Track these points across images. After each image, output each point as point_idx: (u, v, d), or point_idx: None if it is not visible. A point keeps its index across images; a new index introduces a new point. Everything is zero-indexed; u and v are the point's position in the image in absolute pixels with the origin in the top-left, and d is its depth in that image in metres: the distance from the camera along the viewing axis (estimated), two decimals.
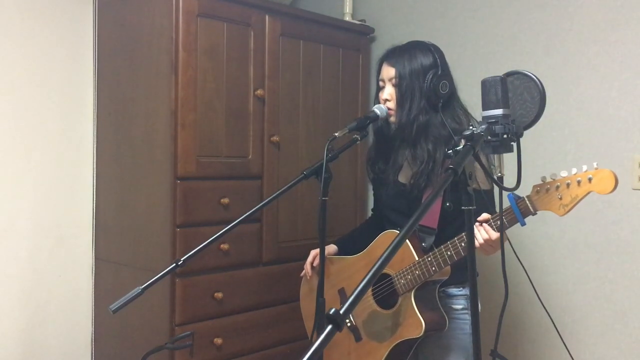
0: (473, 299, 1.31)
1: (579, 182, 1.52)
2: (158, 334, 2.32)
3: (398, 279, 1.90)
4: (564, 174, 1.55)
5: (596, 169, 1.50)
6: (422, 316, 1.83)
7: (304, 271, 2.23)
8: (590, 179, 1.50)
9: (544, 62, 2.45)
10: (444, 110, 1.92)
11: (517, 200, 1.63)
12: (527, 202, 1.61)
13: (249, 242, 2.49)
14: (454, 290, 1.96)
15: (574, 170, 1.54)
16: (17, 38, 2.49)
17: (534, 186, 1.60)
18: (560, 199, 1.55)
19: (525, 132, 1.35)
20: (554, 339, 2.43)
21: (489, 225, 1.69)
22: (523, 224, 1.63)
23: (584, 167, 1.52)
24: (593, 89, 2.33)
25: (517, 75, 1.41)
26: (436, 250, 1.81)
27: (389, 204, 2.10)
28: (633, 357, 2.24)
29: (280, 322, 2.60)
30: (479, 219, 1.72)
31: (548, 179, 1.58)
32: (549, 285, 2.43)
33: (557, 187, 1.55)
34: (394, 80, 1.95)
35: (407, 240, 1.89)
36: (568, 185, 1.53)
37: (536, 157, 2.44)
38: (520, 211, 1.62)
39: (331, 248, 2.22)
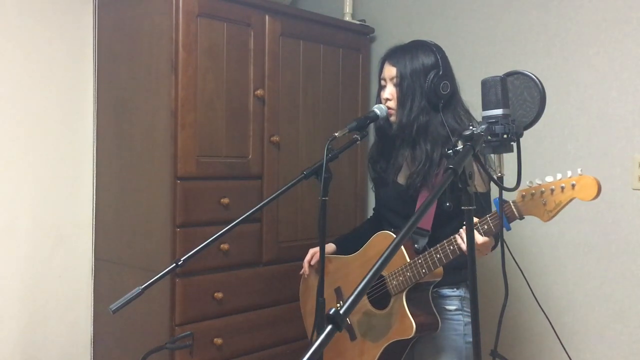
0: (473, 300, 1.31)
1: (562, 188, 1.51)
2: (158, 334, 2.32)
3: (390, 280, 1.90)
4: (549, 179, 1.55)
5: (580, 175, 1.49)
6: (413, 318, 1.83)
7: (302, 269, 2.23)
8: (573, 186, 1.49)
9: (544, 62, 2.45)
10: (445, 110, 1.92)
11: (502, 204, 1.62)
12: (513, 207, 1.61)
13: (249, 242, 2.49)
14: (447, 291, 1.96)
15: (559, 176, 1.53)
16: (17, 38, 2.49)
17: (520, 191, 1.60)
18: (545, 204, 1.55)
19: (525, 132, 1.35)
20: (554, 339, 2.43)
21: (475, 229, 1.68)
22: (508, 228, 1.62)
23: (569, 173, 1.51)
24: (593, 89, 2.33)
25: (517, 75, 1.42)
26: (427, 252, 1.82)
27: (387, 204, 2.11)
28: (633, 357, 2.24)
29: (280, 322, 2.60)
30: (472, 213, 1.71)
31: (534, 184, 1.57)
32: (549, 285, 2.43)
33: (542, 192, 1.55)
34: (395, 80, 1.95)
35: None
36: (552, 191, 1.53)
37: (536, 157, 2.44)
38: (506, 216, 1.61)
39: (330, 247, 2.22)
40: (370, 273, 0.90)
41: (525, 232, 2.46)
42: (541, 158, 2.44)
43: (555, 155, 2.42)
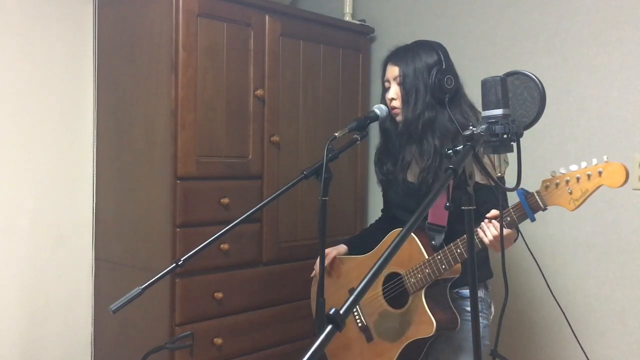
0: (473, 300, 1.31)
1: (589, 175, 1.51)
2: (158, 334, 2.32)
3: (408, 278, 1.89)
4: (573, 168, 1.54)
5: (606, 162, 1.49)
6: (433, 315, 1.82)
7: (314, 272, 2.23)
8: (600, 173, 1.49)
9: (544, 62, 2.45)
10: (451, 105, 1.92)
11: (527, 195, 1.62)
12: (537, 197, 1.60)
13: (249, 242, 2.49)
14: (467, 292, 1.94)
15: (584, 164, 1.53)
16: (17, 38, 2.49)
17: (544, 181, 1.59)
18: (571, 193, 1.54)
19: (525, 132, 1.35)
20: (556, 338, 2.43)
21: (497, 221, 1.68)
22: (533, 219, 1.63)
23: (594, 161, 1.51)
24: (593, 89, 2.33)
25: (517, 75, 1.41)
26: (446, 248, 1.81)
27: (399, 204, 2.10)
28: (633, 357, 2.24)
29: (280, 322, 2.60)
30: (488, 215, 1.71)
31: (557, 174, 1.57)
32: (549, 285, 2.43)
33: (567, 181, 1.54)
34: (398, 79, 1.96)
35: (417, 239, 1.89)
36: (578, 179, 1.52)
37: (536, 157, 2.44)
38: (530, 206, 1.61)
39: (342, 248, 2.22)
40: (371, 273, 0.90)
41: (525, 232, 2.44)
42: (541, 158, 2.44)
43: (555, 155, 2.42)
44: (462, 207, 1.23)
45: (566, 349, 2.38)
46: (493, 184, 1.88)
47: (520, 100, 1.40)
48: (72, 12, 2.64)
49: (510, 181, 1.34)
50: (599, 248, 2.32)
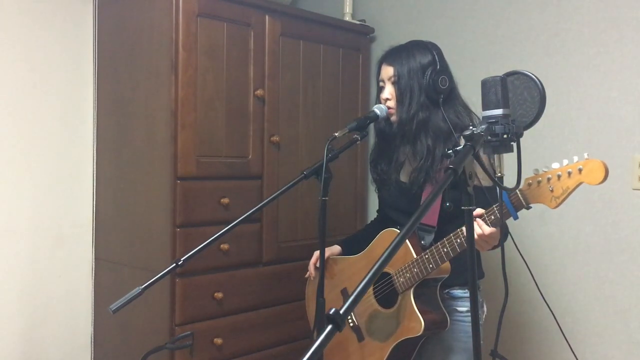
0: (473, 299, 1.31)
1: (569, 173, 1.50)
2: (158, 334, 2.32)
3: (397, 277, 1.90)
4: (555, 165, 1.54)
5: (586, 159, 1.49)
6: (421, 315, 1.83)
7: (308, 272, 2.23)
8: (580, 170, 1.48)
9: (544, 62, 2.45)
10: (445, 106, 1.92)
11: (509, 193, 1.62)
12: (519, 195, 1.60)
13: (249, 242, 2.49)
14: (458, 292, 1.95)
15: (565, 162, 1.53)
16: (17, 38, 2.49)
17: (526, 179, 1.59)
18: (552, 191, 1.53)
19: (525, 132, 1.35)
20: (555, 339, 2.43)
21: (482, 220, 1.68)
22: (516, 217, 1.62)
23: (575, 158, 1.51)
24: (593, 89, 2.33)
25: (517, 75, 1.41)
26: (433, 247, 1.81)
27: (391, 204, 2.10)
28: (633, 357, 2.24)
29: (280, 322, 2.60)
30: (472, 213, 1.71)
31: (540, 171, 1.57)
32: (549, 286, 2.43)
33: (549, 179, 1.54)
34: (392, 79, 1.96)
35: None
36: (559, 177, 1.52)
37: (536, 158, 2.44)
38: (513, 204, 1.61)
39: (335, 249, 2.22)
40: (370, 273, 0.90)
41: (525, 232, 2.46)
42: (541, 158, 2.43)
43: (555, 155, 2.41)
44: (462, 207, 1.23)
45: (564, 349, 2.38)
46: (491, 183, 1.89)
47: (520, 100, 1.40)
48: (72, 13, 2.64)
49: (510, 181, 1.34)
50: (599, 248, 2.32)
